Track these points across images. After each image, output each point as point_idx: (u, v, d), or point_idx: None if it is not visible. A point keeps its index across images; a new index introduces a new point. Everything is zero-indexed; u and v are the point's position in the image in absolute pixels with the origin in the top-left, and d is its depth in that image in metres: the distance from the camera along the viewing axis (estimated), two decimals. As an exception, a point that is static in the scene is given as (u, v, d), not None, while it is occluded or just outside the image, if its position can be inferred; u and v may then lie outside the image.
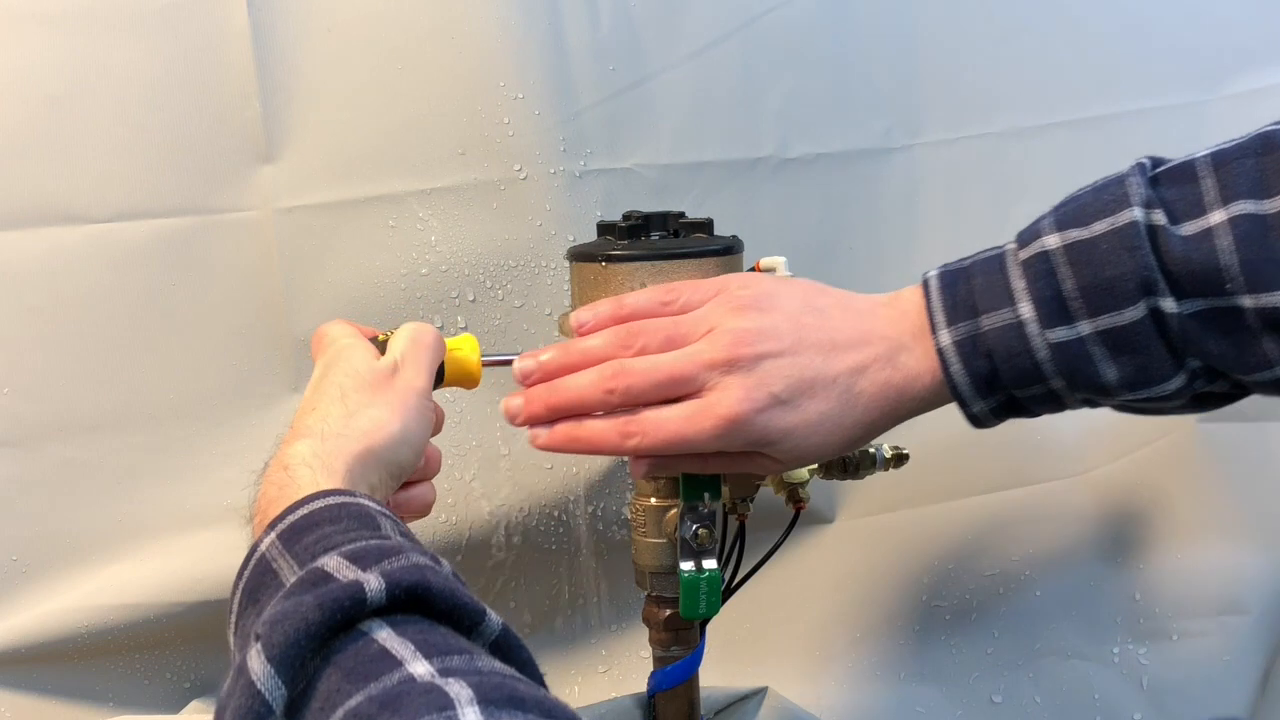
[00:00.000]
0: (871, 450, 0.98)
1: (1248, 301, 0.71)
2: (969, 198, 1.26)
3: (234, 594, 0.65)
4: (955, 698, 1.28)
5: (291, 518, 0.65)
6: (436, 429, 0.84)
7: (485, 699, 0.48)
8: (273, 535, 0.64)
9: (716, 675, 1.17)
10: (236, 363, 1.13)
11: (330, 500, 0.66)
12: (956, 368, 0.79)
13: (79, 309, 1.09)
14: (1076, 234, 0.75)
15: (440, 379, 0.84)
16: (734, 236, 0.94)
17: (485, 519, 1.19)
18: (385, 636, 0.53)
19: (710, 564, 0.89)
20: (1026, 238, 0.78)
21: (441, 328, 0.83)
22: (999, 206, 1.25)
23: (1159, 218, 0.73)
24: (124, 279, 1.09)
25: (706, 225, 0.94)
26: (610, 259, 0.89)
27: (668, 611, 0.95)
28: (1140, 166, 0.77)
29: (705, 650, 0.98)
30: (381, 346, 0.82)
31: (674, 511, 0.91)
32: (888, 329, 0.81)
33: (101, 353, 1.10)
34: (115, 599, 1.12)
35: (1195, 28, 1.28)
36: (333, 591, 0.54)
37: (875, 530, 1.29)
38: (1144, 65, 1.28)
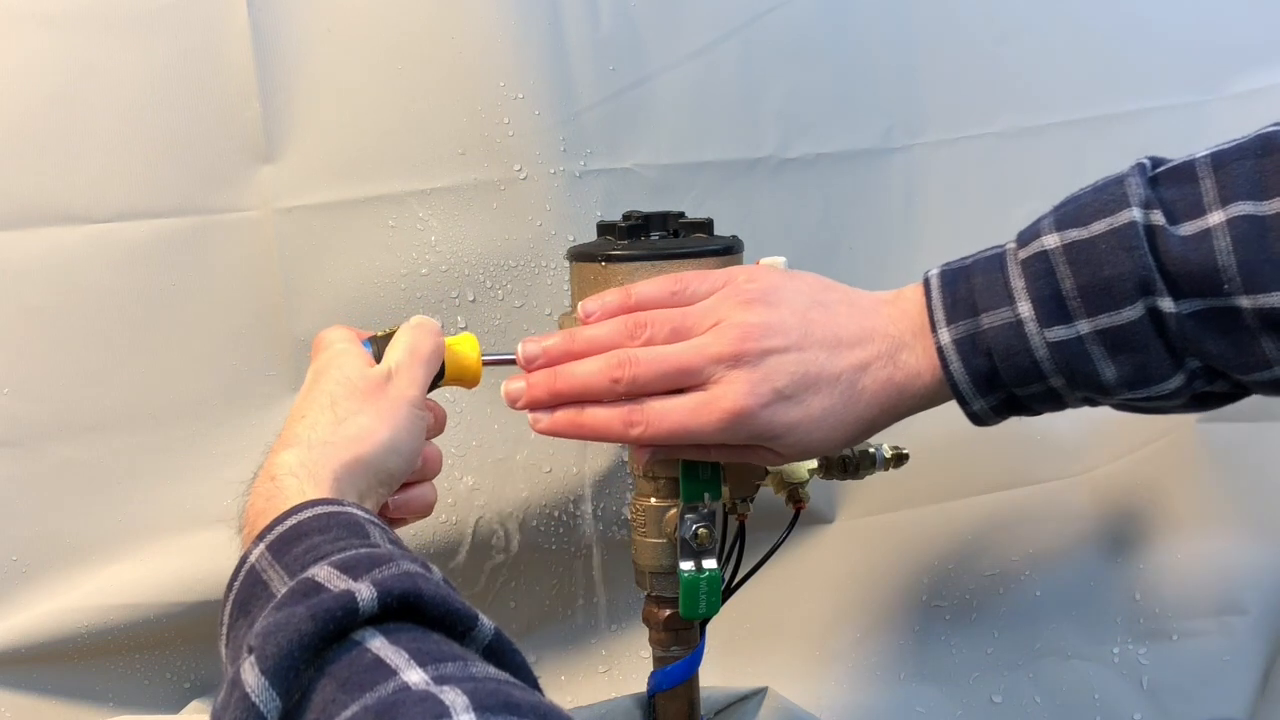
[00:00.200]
0: (871, 450, 0.98)
1: (1245, 302, 0.72)
2: (969, 198, 1.26)
3: (224, 605, 0.65)
4: (955, 698, 1.28)
5: (280, 528, 0.65)
6: (439, 429, 0.84)
7: (480, 705, 0.48)
8: (262, 546, 0.64)
9: (716, 675, 1.17)
10: (236, 363, 1.13)
11: (318, 510, 0.65)
12: (956, 366, 0.79)
13: (79, 309, 1.09)
14: (1075, 234, 0.76)
15: (440, 379, 0.84)
16: (734, 236, 0.94)
17: (485, 519, 1.19)
18: (379, 645, 0.53)
19: (710, 564, 0.89)
20: (1026, 237, 0.79)
21: (441, 328, 0.83)
22: (999, 206, 1.24)
23: (1158, 218, 0.74)
24: (124, 279, 1.09)
25: (706, 225, 0.94)
26: (610, 259, 0.89)
27: (668, 611, 0.95)
28: (1140, 167, 0.77)
29: (705, 650, 0.98)
30: (382, 342, 0.82)
31: (674, 511, 0.90)
32: (890, 327, 0.82)
33: (101, 353, 1.10)
34: (115, 599, 1.12)
35: (1195, 28, 1.28)
36: (325, 602, 0.54)
37: (875, 530, 1.29)
38: (1144, 65, 1.28)
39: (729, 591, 0.97)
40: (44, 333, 1.09)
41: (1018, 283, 0.77)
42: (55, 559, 1.12)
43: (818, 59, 1.21)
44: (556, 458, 1.19)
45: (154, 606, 1.12)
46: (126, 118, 1.08)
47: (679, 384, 0.80)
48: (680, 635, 0.96)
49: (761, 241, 0.98)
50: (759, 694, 1.15)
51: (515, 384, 0.83)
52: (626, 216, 0.94)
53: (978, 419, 0.82)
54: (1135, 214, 0.74)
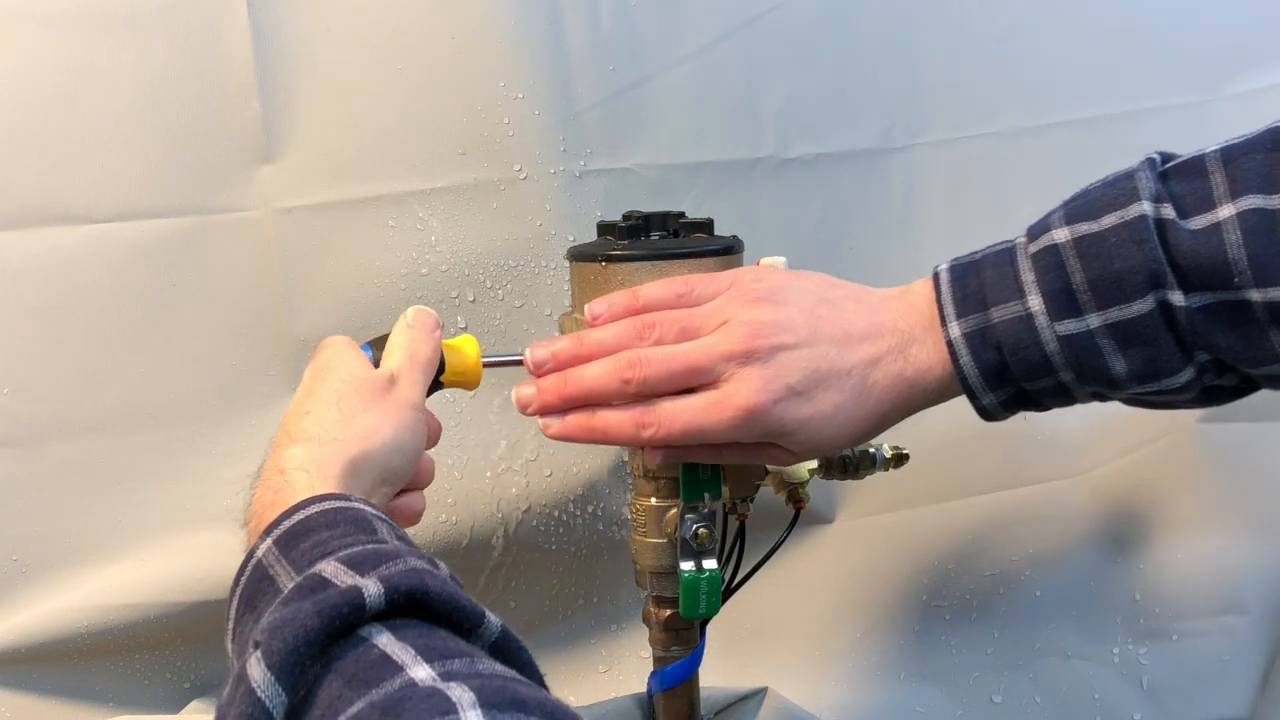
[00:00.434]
0: (871, 450, 0.98)
1: (1255, 295, 0.72)
2: (969, 198, 1.26)
3: (231, 600, 0.65)
4: (955, 698, 1.28)
5: (287, 523, 0.65)
6: (433, 441, 0.84)
7: (487, 702, 0.48)
8: (269, 541, 0.64)
9: (716, 675, 1.17)
10: (236, 363, 1.13)
11: (326, 505, 0.66)
12: (966, 360, 0.79)
13: (79, 309, 1.09)
14: (1086, 227, 0.76)
15: (440, 381, 0.84)
16: (734, 236, 0.94)
17: (485, 519, 1.19)
18: (385, 641, 0.53)
19: (710, 564, 0.89)
20: (1036, 231, 0.79)
21: (441, 327, 0.83)
22: (999, 206, 1.25)
23: (1168, 212, 0.74)
24: (124, 279, 1.09)
25: (706, 225, 0.94)
26: (610, 259, 0.89)
27: (668, 611, 0.95)
28: (1150, 161, 0.77)
29: (705, 650, 0.98)
30: (380, 344, 0.82)
31: (674, 511, 0.91)
32: (899, 321, 0.82)
33: (101, 353, 1.10)
34: (115, 599, 1.12)
35: (1195, 28, 1.28)
36: (331, 598, 0.54)
37: (875, 530, 1.29)
38: (1144, 65, 1.28)
39: (729, 591, 0.97)
40: (44, 333, 1.09)
41: (1028, 276, 0.77)
42: (55, 559, 1.12)
43: (818, 59, 1.21)
44: (556, 458, 1.19)
45: (154, 606, 1.12)
46: (126, 117, 1.08)
47: (690, 383, 0.80)
48: (680, 635, 0.96)
49: (761, 241, 0.98)
50: (759, 694, 1.15)
51: (525, 390, 0.82)
52: (626, 216, 0.94)
53: (987, 414, 0.82)
54: (1146, 208, 0.74)
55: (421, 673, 0.51)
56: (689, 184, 1.19)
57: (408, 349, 0.81)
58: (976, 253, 0.82)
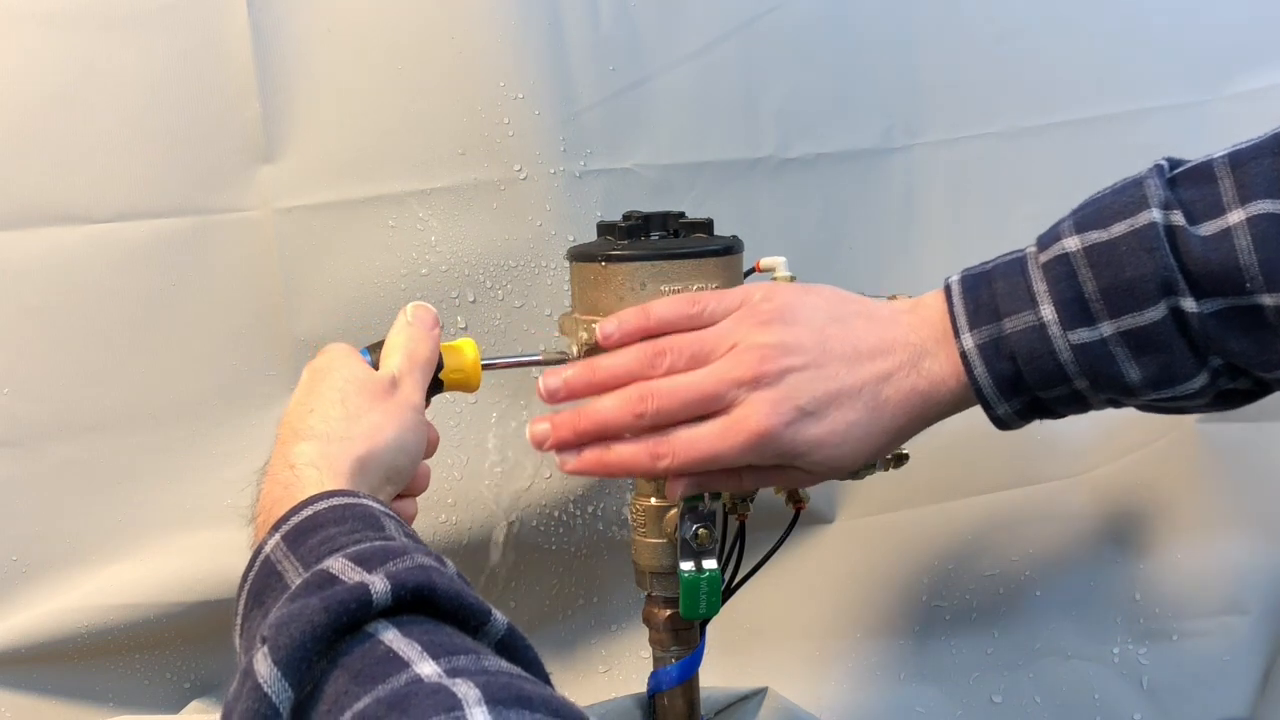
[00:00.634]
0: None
1: (1268, 300, 0.72)
2: (969, 198, 1.26)
3: (239, 596, 0.65)
4: (955, 698, 1.28)
5: (296, 519, 0.65)
6: (430, 451, 0.84)
7: (493, 699, 0.48)
8: (277, 537, 0.64)
9: (716, 675, 1.17)
10: (236, 363, 1.13)
11: (334, 501, 0.66)
12: (980, 371, 0.79)
13: (79, 309, 1.09)
14: (1096, 236, 0.76)
15: (439, 385, 0.84)
16: (734, 236, 0.94)
17: (485, 519, 1.19)
18: (392, 638, 0.53)
19: (710, 564, 0.89)
20: (1046, 240, 0.79)
21: (442, 328, 0.83)
22: (999, 206, 1.25)
23: (1178, 218, 0.74)
24: (124, 279, 1.09)
25: (706, 225, 0.94)
26: (610, 259, 0.89)
27: (668, 611, 0.95)
28: (1158, 168, 0.77)
29: (705, 650, 0.98)
30: (378, 348, 0.82)
31: (674, 511, 0.91)
32: (910, 335, 0.82)
33: (101, 353, 1.10)
34: (115, 599, 1.12)
35: (1195, 28, 1.28)
36: (338, 594, 0.54)
37: (875, 530, 1.29)
38: (1144, 65, 1.28)
39: (729, 591, 0.97)
40: (44, 333, 1.09)
41: (1039, 286, 0.78)
42: (55, 559, 1.12)
43: (818, 59, 1.21)
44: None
45: (154, 606, 1.12)
46: (126, 118, 1.08)
47: (701, 411, 0.81)
48: (680, 635, 0.96)
49: (761, 241, 0.98)
50: (759, 694, 1.15)
51: (539, 426, 0.83)
52: (626, 216, 0.94)
53: (1002, 423, 0.83)
54: (1155, 215, 0.74)
55: (427, 669, 0.51)
56: (689, 184, 1.19)
57: (406, 348, 0.81)
58: (987, 263, 0.83)
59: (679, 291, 0.87)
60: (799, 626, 1.29)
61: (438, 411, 0.84)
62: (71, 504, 1.12)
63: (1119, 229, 0.75)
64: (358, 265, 1.13)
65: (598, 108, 1.15)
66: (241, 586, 0.65)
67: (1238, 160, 0.75)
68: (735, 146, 1.20)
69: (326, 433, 0.73)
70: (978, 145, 1.26)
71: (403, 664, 0.51)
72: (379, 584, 0.55)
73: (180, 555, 1.12)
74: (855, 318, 0.83)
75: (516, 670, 0.53)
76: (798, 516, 0.97)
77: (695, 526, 0.89)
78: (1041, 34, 1.25)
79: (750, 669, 1.26)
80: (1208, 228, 0.73)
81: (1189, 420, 1.28)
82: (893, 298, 0.90)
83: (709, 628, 0.99)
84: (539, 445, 0.83)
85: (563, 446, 0.83)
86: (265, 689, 0.51)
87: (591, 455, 0.82)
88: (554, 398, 0.83)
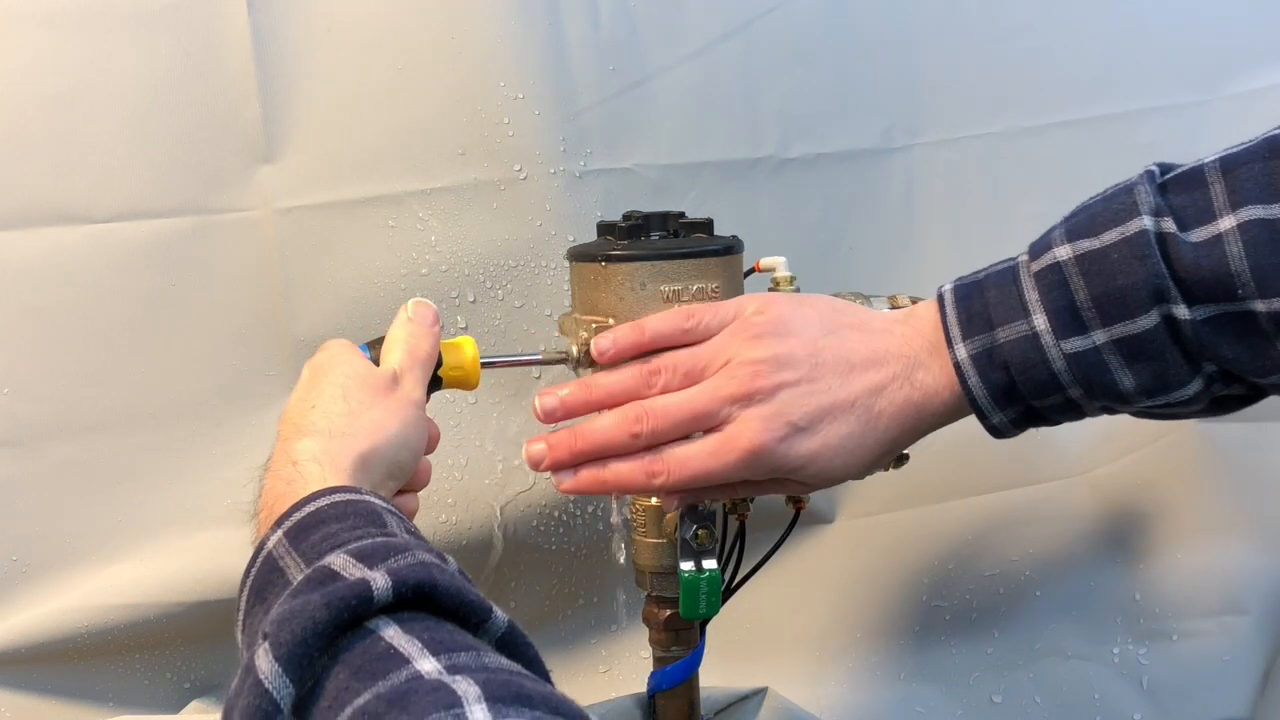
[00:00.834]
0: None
1: (1260, 306, 0.72)
2: (969, 198, 1.26)
3: (241, 592, 0.65)
4: (955, 698, 1.28)
5: (298, 515, 0.65)
6: (430, 447, 0.84)
7: (493, 696, 0.48)
8: (279, 533, 0.64)
9: (716, 675, 1.17)
10: (236, 363, 1.13)
11: (337, 497, 0.66)
12: (974, 380, 0.79)
13: (79, 309, 1.09)
14: (1087, 244, 0.76)
15: (439, 381, 0.85)
16: (734, 236, 0.94)
17: (485, 519, 1.19)
18: (393, 634, 0.53)
19: (710, 564, 0.89)
20: (1038, 249, 0.79)
21: (441, 328, 0.83)
22: (999, 206, 1.25)
23: (1168, 225, 0.74)
24: (124, 279, 1.09)
25: (706, 225, 0.94)
26: (610, 259, 0.89)
27: (668, 611, 0.95)
28: (1149, 174, 0.77)
29: (705, 650, 0.98)
30: (378, 345, 0.82)
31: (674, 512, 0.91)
32: (904, 347, 0.82)
33: (101, 353, 1.10)
34: (115, 599, 1.12)
35: (1195, 28, 1.28)
36: (340, 590, 0.54)
37: (875, 530, 1.29)
38: (1144, 65, 1.28)
39: (729, 591, 0.97)
40: (44, 333, 1.09)
41: (1032, 295, 0.78)
42: (55, 559, 1.12)
43: (818, 59, 1.21)
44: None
45: (154, 606, 1.12)
46: (126, 118, 1.08)
47: (695, 429, 0.81)
48: (680, 635, 0.96)
49: (761, 241, 0.98)
50: (759, 694, 1.15)
51: (536, 446, 0.83)
52: (626, 216, 0.94)
53: (998, 432, 0.83)
54: (1146, 222, 0.74)
55: (428, 665, 0.51)
56: (689, 184, 1.19)
57: (407, 344, 0.82)
58: (979, 272, 0.82)
59: (679, 291, 0.88)
60: (799, 626, 1.29)
61: (438, 412, 0.84)
62: (71, 504, 1.12)
63: (1110, 237, 0.75)
64: (358, 265, 1.13)
65: (598, 108, 1.15)
66: (244, 582, 0.65)
67: (1229, 165, 0.74)
68: (735, 146, 1.20)
69: (329, 428, 0.73)
70: (978, 145, 1.26)
71: (403, 660, 0.51)
72: (380, 580, 0.55)
73: (180, 555, 1.12)
74: (848, 329, 0.83)
75: (517, 668, 0.53)
76: (798, 516, 0.97)
77: (695, 527, 0.89)
78: (1041, 34, 1.25)
79: (750, 669, 1.26)
80: (1199, 234, 0.73)
81: (1189, 421, 1.27)
82: (893, 298, 0.91)
83: (709, 628, 0.99)
84: (535, 466, 0.83)
85: (559, 467, 0.83)
86: (266, 685, 0.51)
87: (588, 474, 0.83)
88: (551, 418, 0.84)
